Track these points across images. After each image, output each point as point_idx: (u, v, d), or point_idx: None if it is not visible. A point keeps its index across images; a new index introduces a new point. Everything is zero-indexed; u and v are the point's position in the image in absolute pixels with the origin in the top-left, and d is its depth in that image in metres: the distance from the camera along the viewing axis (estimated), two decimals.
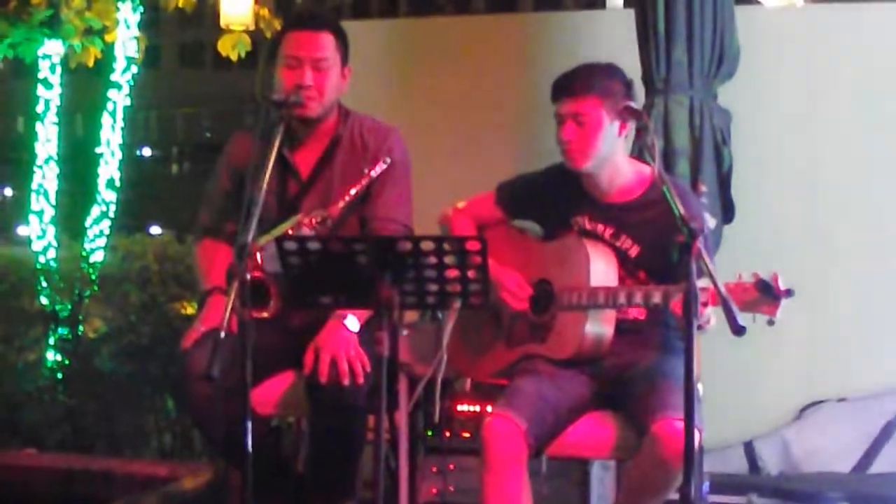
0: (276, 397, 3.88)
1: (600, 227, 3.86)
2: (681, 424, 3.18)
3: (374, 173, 3.86)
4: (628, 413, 3.68)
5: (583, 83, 3.76)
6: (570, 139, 3.76)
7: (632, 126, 3.84)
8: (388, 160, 3.88)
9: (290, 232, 3.65)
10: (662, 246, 3.33)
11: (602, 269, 3.76)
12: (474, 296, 3.21)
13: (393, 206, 3.94)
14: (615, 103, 3.71)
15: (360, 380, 3.62)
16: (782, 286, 3.27)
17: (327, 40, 3.90)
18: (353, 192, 3.83)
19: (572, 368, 3.77)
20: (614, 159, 3.82)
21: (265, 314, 3.60)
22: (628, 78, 3.86)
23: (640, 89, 4.66)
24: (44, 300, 6.83)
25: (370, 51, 5.86)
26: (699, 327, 3.32)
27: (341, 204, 3.80)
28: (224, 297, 3.33)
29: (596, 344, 3.76)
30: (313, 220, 3.73)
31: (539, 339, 3.88)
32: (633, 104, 3.70)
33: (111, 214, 7.21)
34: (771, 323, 3.30)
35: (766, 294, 3.28)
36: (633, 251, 3.82)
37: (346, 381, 3.61)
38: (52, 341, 6.72)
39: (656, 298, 3.57)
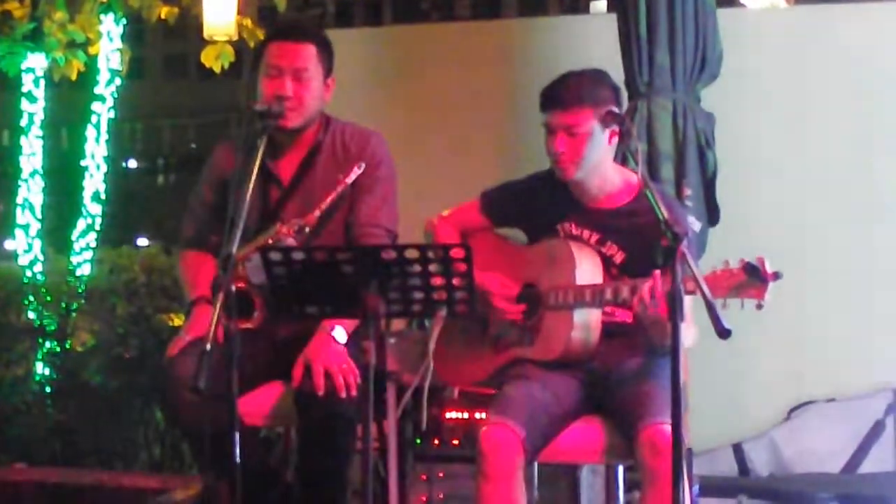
0: (264, 408, 3.86)
1: (586, 233, 3.83)
2: (669, 428, 3.17)
3: (348, 180, 3.82)
4: (616, 416, 3.66)
5: (573, 94, 3.70)
6: (561, 150, 3.71)
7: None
8: (363, 165, 3.84)
9: (270, 242, 3.65)
10: (647, 253, 3.26)
11: (588, 269, 3.74)
12: (460, 303, 3.20)
13: (375, 212, 3.93)
14: (605, 112, 3.67)
15: (354, 392, 3.62)
16: (769, 269, 3.28)
17: (309, 51, 3.89)
18: (328, 199, 3.79)
19: (561, 371, 3.75)
20: (603, 167, 3.79)
21: (250, 325, 3.60)
22: (615, 83, 3.82)
23: (623, 93, 4.66)
24: (31, 314, 6.80)
25: (355, 59, 5.87)
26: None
27: (317, 212, 3.77)
28: (209, 306, 3.32)
29: (583, 344, 3.74)
30: (290, 230, 3.71)
31: (527, 342, 3.86)
32: (615, 109, 3.69)
33: (97, 227, 7.18)
34: (759, 307, 3.29)
35: (754, 277, 3.29)
36: (619, 257, 3.80)
37: (343, 394, 3.60)
38: (39, 355, 6.68)
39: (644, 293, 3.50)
